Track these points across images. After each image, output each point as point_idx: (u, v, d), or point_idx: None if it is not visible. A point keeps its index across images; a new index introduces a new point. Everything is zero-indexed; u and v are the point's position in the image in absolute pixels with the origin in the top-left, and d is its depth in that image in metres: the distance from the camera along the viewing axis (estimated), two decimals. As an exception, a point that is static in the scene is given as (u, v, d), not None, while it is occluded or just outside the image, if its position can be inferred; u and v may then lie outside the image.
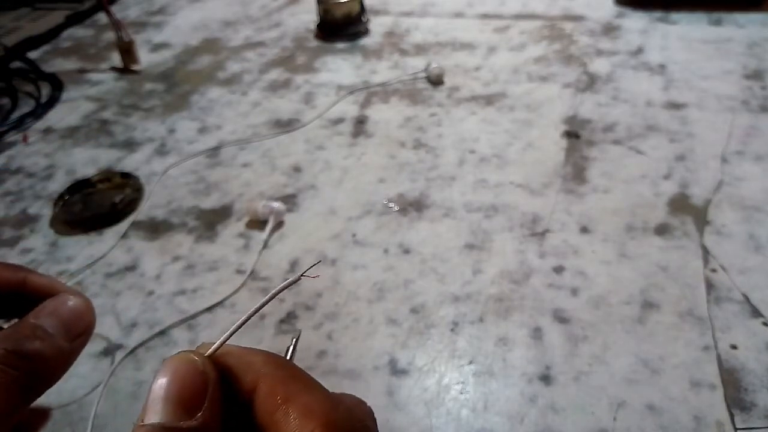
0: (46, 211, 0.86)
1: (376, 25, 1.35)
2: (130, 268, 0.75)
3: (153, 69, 1.24)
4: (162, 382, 0.18)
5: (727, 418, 0.53)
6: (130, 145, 1.00)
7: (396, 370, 0.60)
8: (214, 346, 0.19)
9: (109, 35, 1.35)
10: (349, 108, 1.05)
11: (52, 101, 1.15)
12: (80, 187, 0.88)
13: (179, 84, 1.18)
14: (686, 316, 0.62)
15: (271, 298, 0.21)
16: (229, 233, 0.79)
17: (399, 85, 1.10)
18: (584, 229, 0.75)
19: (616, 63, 1.12)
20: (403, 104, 1.04)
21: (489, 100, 1.03)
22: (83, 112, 1.11)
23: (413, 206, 0.81)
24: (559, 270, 0.69)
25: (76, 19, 1.53)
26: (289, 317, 0.66)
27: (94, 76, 1.24)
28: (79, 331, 0.22)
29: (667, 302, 0.64)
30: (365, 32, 1.32)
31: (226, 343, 0.20)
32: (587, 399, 0.56)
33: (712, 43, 1.15)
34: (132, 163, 0.95)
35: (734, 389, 0.55)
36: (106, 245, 0.79)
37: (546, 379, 0.58)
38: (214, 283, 0.72)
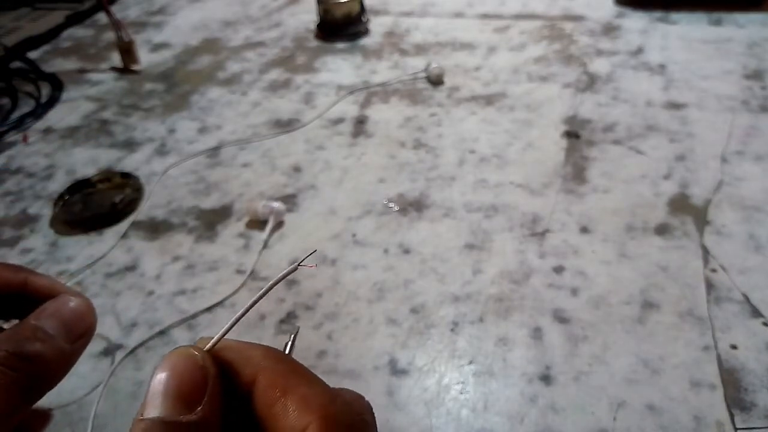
0: (46, 211, 0.86)
1: (376, 25, 1.35)
2: (130, 268, 0.75)
3: (153, 69, 1.24)
4: (161, 376, 0.18)
5: (727, 418, 0.53)
6: (130, 145, 1.00)
7: (396, 370, 0.60)
8: (213, 341, 0.20)
9: (109, 35, 1.35)
10: (349, 108, 1.05)
11: (52, 101, 1.15)
12: (80, 187, 0.88)
13: (179, 84, 1.18)
14: (686, 316, 0.62)
15: (269, 289, 0.21)
16: (229, 233, 0.79)
17: (399, 85, 1.10)
18: (584, 229, 0.75)
19: (616, 63, 1.12)
20: (403, 104, 1.04)
21: (489, 100, 1.03)
22: (83, 112, 1.11)
23: (413, 206, 0.81)
24: (559, 270, 0.69)
25: (76, 19, 1.53)
26: (289, 317, 0.66)
27: (94, 76, 1.24)
28: (80, 332, 0.22)
29: (667, 302, 0.64)
30: (365, 32, 1.32)
31: (225, 337, 0.20)
32: (587, 399, 0.56)
33: (712, 43, 1.15)
34: (132, 163, 0.95)
35: (734, 389, 0.55)
36: (106, 245, 0.79)
37: (546, 379, 0.58)
38: (214, 283, 0.72)
